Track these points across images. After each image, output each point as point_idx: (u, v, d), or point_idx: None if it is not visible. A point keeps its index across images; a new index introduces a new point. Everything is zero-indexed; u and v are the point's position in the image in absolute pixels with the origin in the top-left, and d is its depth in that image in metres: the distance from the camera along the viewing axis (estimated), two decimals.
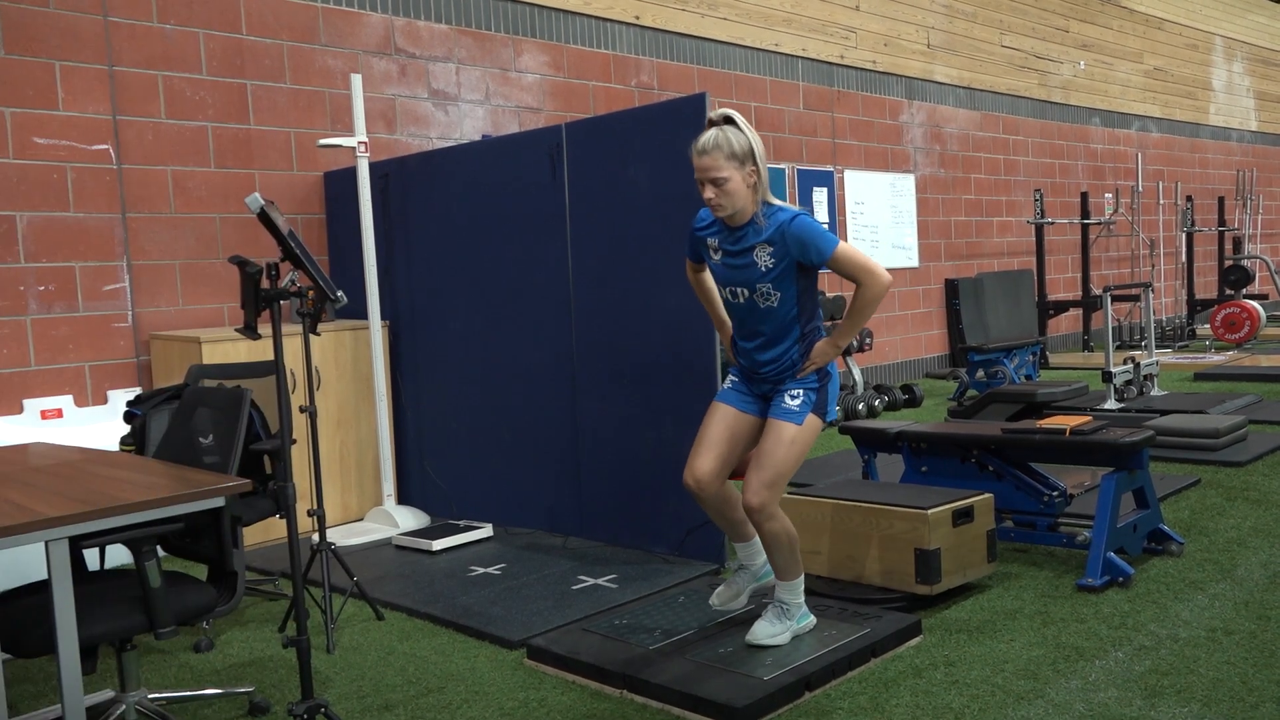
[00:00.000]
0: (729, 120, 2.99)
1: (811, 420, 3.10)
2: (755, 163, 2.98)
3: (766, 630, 3.16)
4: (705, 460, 3.18)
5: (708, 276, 3.36)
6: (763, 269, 3.01)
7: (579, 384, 4.66)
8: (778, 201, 3.06)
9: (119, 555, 4.44)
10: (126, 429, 3.62)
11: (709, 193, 2.99)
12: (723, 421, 3.21)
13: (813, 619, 3.28)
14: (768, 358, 3.14)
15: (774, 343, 3.12)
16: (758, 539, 3.34)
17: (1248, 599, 3.53)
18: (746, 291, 3.07)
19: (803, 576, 3.24)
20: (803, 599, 3.24)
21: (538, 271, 4.78)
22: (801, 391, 3.11)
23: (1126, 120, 13.29)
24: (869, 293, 2.99)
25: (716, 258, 3.13)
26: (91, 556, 3.75)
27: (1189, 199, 12.71)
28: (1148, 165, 13.38)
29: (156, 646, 3.66)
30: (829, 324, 8.03)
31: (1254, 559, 3.96)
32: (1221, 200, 13.21)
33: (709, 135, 2.98)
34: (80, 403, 5.02)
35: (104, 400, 5.09)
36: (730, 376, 3.30)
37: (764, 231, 3.00)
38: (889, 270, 9.75)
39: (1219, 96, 15.26)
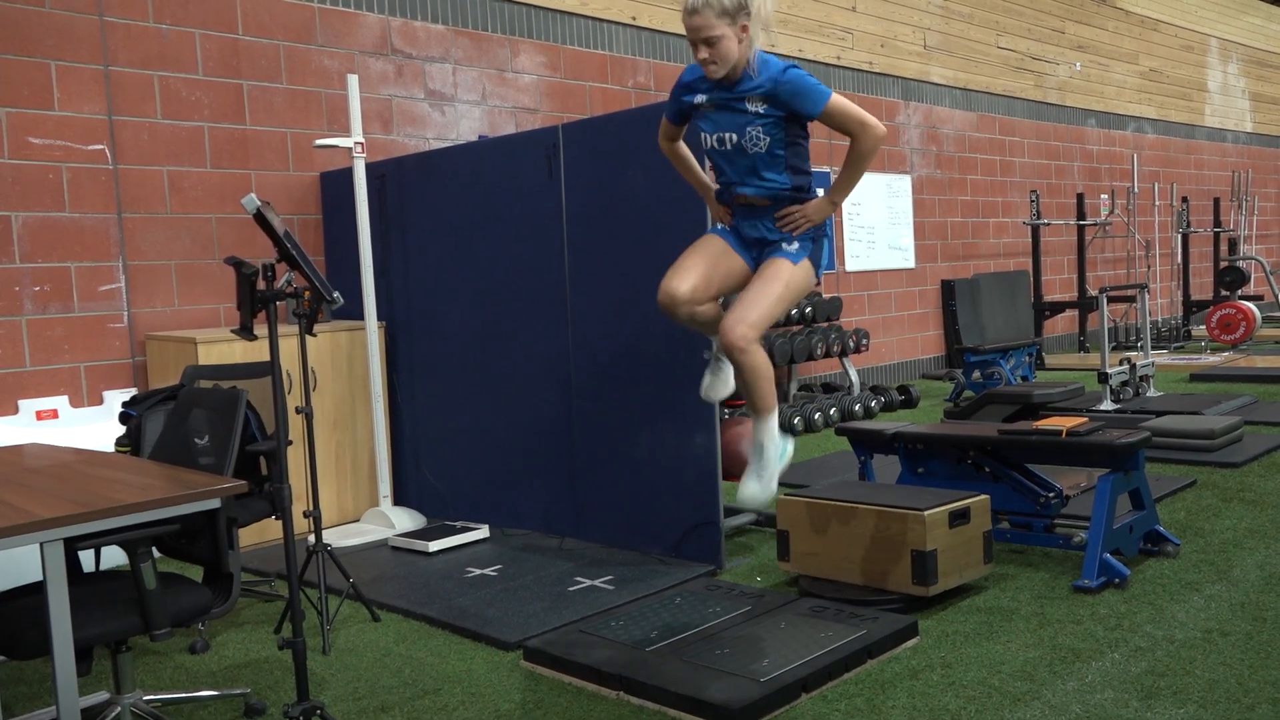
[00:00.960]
0: None
1: (806, 266, 3.07)
2: (748, 15, 2.92)
3: (753, 488, 3.12)
4: (683, 281, 3.08)
5: (682, 145, 3.30)
6: (754, 113, 2.97)
7: (575, 384, 4.65)
8: (769, 53, 3.02)
9: (114, 556, 4.43)
10: (122, 430, 3.61)
11: (703, 53, 2.94)
12: (708, 249, 3.15)
13: (791, 441, 3.21)
14: (757, 186, 3.05)
15: (762, 172, 3.04)
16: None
17: (1243, 600, 3.53)
18: (735, 136, 3.01)
19: (776, 410, 3.14)
20: (778, 431, 3.16)
21: (534, 272, 4.78)
22: (798, 241, 3.07)
23: (1122, 121, 13.32)
24: (863, 144, 2.97)
25: (707, 110, 3.06)
26: (86, 557, 3.74)
27: (1184, 200, 12.73)
28: (1143, 166, 13.40)
29: (152, 648, 3.65)
30: (822, 323, 8.03)
31: (1250, 560, 3.97)
32: (1217, 201, 13.24)
33: None
34: (75, 403, 5.01)
35: (99, 401, 5.08)
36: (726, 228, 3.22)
37: (755, 81, 2.96)
38: (887, 270, 9.76)
39: (1214, 98, 15.30)
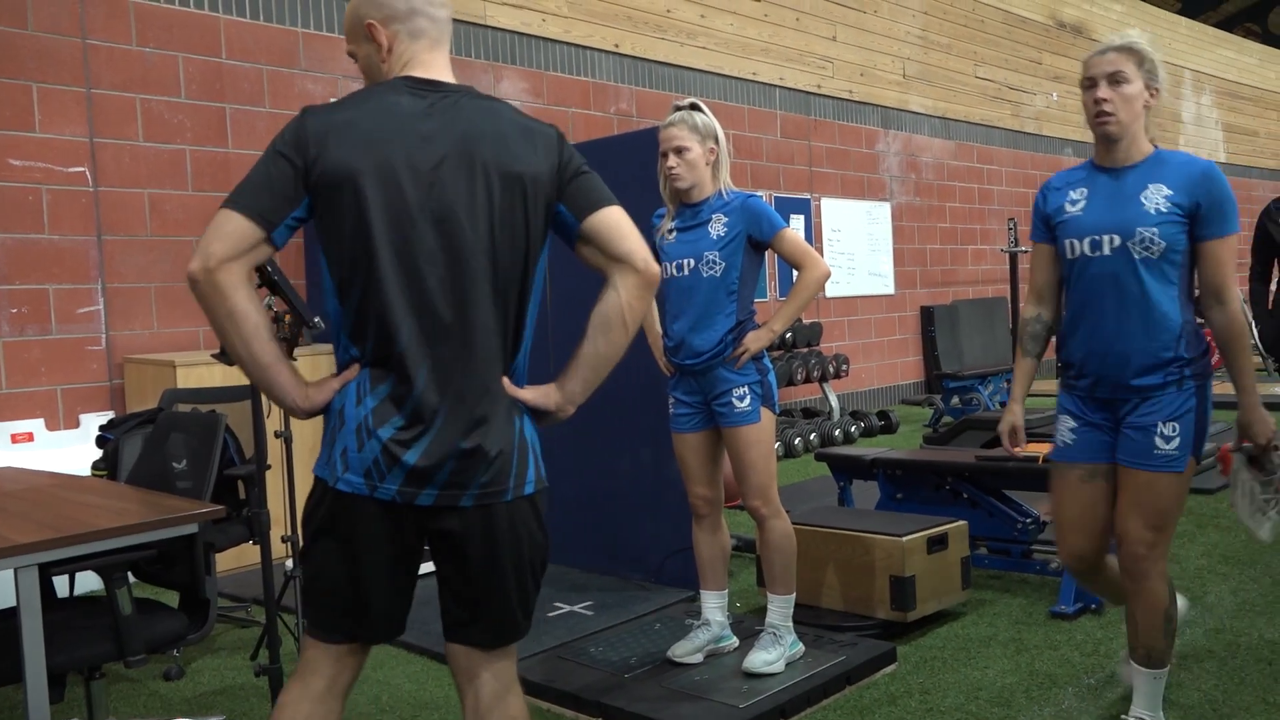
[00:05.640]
0: (695, 107, 3.15)
1: (766, 414, 3.16)
2: (717, 142, 3.13)
3: (763, 658, 3.15)
4: (699, 487, 3.28)
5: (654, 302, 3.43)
6: (714, 237, 3.11)
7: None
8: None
9: (88, 581, 4.38)
10: (99, 453, 3.58)
11: (671, 161, 3.12)
12: (693, 450, 3.26)
13: (802, 646, 3.28)
14: (700, 340, 3.13)
15: (708, 320, 3.12)
16: (725, 592, 3.35)
17: (1218, 626, 3.56)
18: (692, 262, 3.13)
19: (794, 596, 3.24)
20: (791, 623, 3.24)
21: None
22: (746, 390, 3.13)
23: None
24: (809, 276, 3.12)
25: (670, 238, 3.20)
26: (60, 583, 3.70)
27: None
28: None
29: (126, 675, 3.61)
30: (803, 348, 8.07)
31: (1224, 586, 4.00)
32: None
33: (674, 114, 3.14)
34: (52, 426, 4.97)
35: (76, 424, 5.04)
36: (670, 397, 3.30)
37: (721, 205, 3.13)
38: (867, 296, 9.82)
39: (1188, 128, 15.52)
